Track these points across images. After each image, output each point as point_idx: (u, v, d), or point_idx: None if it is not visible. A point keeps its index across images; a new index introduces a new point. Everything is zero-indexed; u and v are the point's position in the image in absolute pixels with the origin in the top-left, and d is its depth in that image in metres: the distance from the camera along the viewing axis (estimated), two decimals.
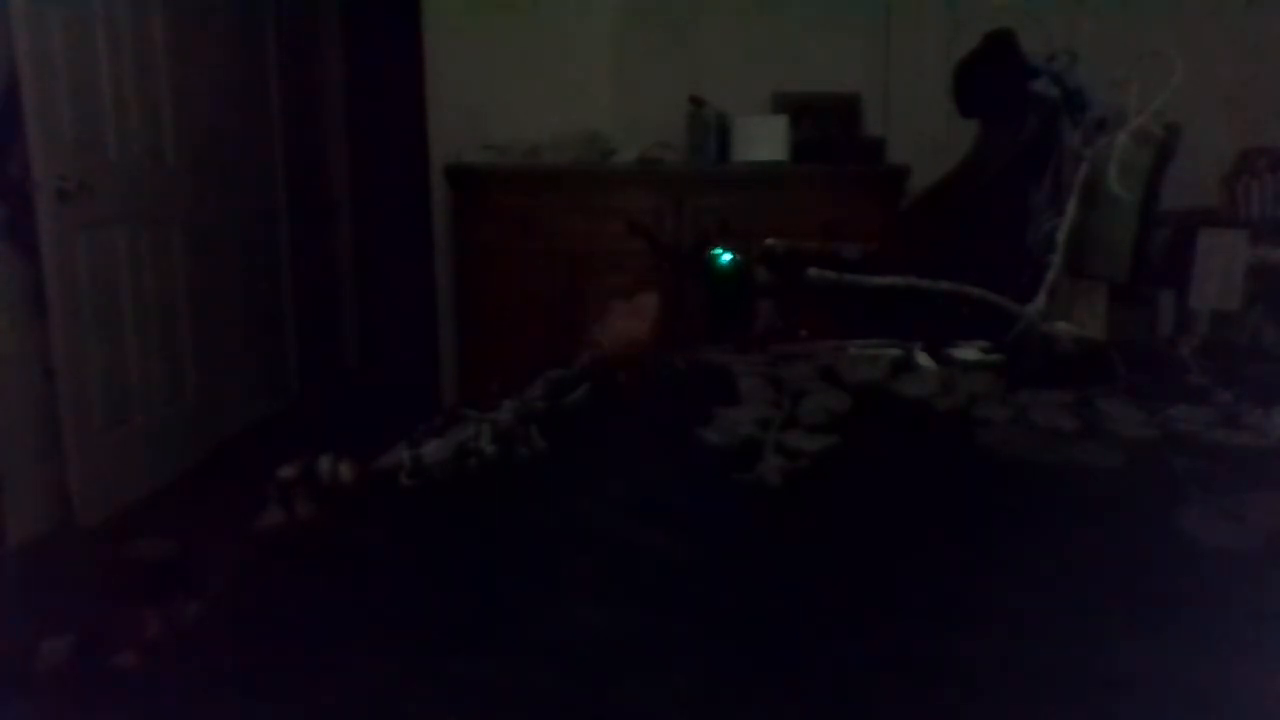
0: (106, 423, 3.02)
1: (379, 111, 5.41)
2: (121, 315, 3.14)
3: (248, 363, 4.15)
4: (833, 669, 0.76)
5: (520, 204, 3.49)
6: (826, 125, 3.67)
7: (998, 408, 1.26)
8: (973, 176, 2.53)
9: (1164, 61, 1.59)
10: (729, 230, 3.21)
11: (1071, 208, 1.69)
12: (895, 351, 1.48)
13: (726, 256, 1.82)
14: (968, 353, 1.52)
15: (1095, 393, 1.31)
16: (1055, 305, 1.61)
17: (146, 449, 3.23)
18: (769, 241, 1.83)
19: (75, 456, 2.86)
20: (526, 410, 1.28)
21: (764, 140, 3.54)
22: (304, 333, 4.74)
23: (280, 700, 0.75)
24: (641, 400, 1.41)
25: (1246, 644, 0.77)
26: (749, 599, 0.86)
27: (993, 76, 2.27)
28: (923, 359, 1.46)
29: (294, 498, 1.03)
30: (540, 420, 1.23)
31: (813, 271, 1.61)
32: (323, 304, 5.20)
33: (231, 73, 4.06)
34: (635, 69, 3.85)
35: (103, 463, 2.97)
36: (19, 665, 0.85)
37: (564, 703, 0.73)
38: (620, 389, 1.42)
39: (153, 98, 3.33)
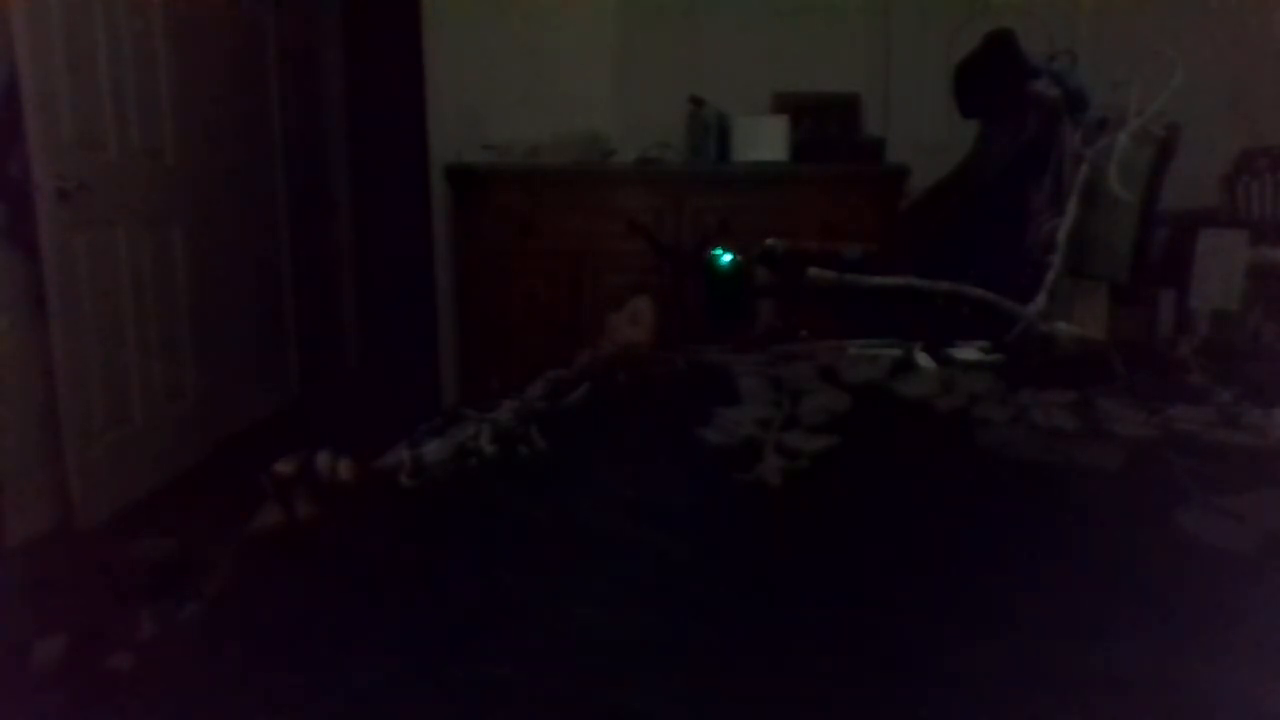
0: (106, 423, 3.01)
1: (379, 111, 5.41)
2: (121, 315, 3.14)
3: (248, 363, 4.15)
4: (832, 668, 0.76)
5: (520, 204, 3.49)
6: (826, 125, 3.67)
7: (998, 408, 1.26)
8: (973, 177, 2.53)
9: (1164, 61, 1.59)
10: (729, 230, 3.22)
11: (1071, 208, 1.69)
12: (895, 351, 1.48)
13: (726, 256, 1.82)
14: (968, 353, 1.52)
15: (1095, 393, 1.31)
16: (1055, 305, 1.61)
17: (146, 449, 3.23)
18: (769, 241, 1.83)
19: (75, 456, 2.85)
20: (526, 410, 1.28)
21: (764, 140, 3.54)
22: (304, 332, 4.74)
23: (279, 701, 0.75)
24: (641, 400, 1.41)
25: (1246, 644, 0.77)
26: (749, 599, 0.86)
27: (993, 77, 2.27)
28: (923, 359, 1.46)
29: (293, 496, 1.03)
30: (540, 420, 1.23)
31: (813, 271, 1.61)
32: (323, 304, 5.20)
33: (231, 73, 4.05)
34: (635, 69, 3.84)
35: (103, 463, 2.97)
36: (17, 665, 0.85)
37: (564, 703, 0.73)
38: (620, 389, 1.42)
39: (153, 98, 3.33)
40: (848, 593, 0.87)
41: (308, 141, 5.02)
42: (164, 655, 0.84)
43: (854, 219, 3.29)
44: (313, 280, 4.96)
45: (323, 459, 1.07)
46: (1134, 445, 1.13)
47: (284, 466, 1.05)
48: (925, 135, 3.41)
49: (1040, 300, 1.58)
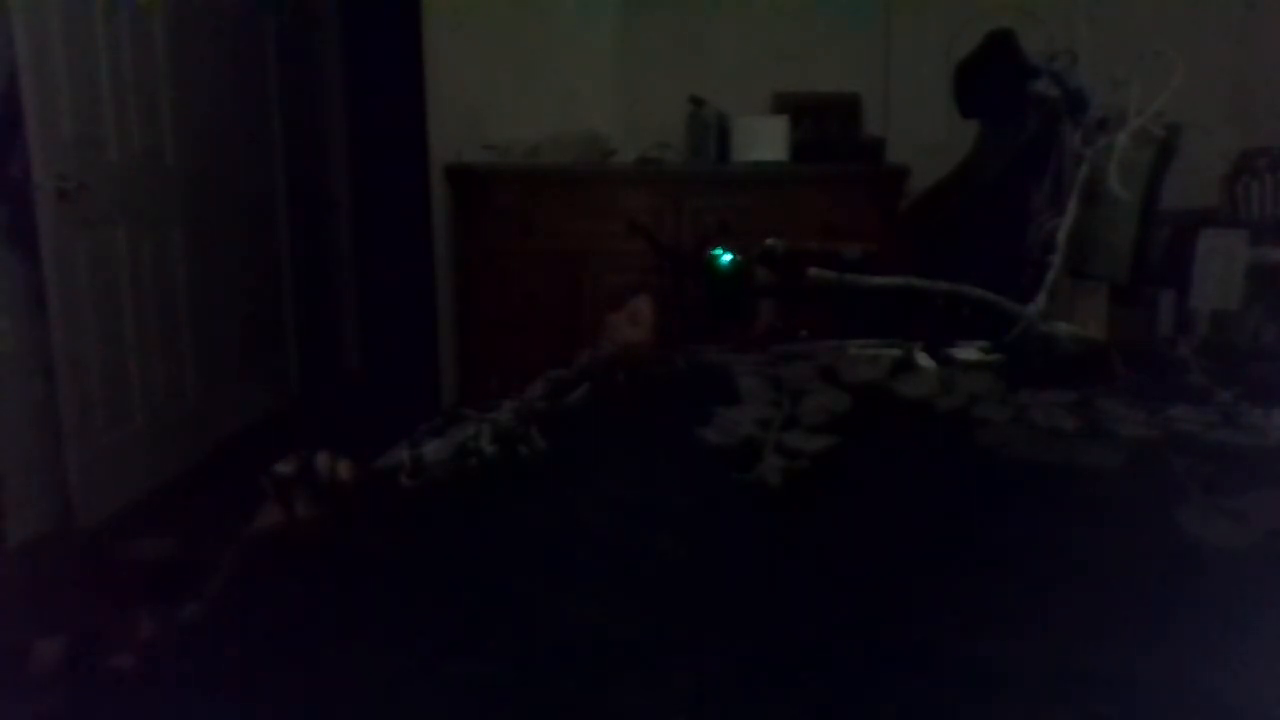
0: (106, 423, 3.01)
1: (379, 111, 5.41)
2: (121, 315, 3.14)
3: (248, 363, 4.15)
4: (832, 668, 0.76)
5: (520, 204, 3.49)
6: (826, 125, 3.67)
7: (998, 408, 1.26)
8: (973, 177, 2.53)
9: (1164, 61, 1.59)
10: (729, 230, 3.22)
11: (1071, 208, 1.68)
12: (895, 351, 1.48)
13: (726, 256, 1.82)
14: (968, 353, 1.52)
15: (1095, 393, 1.31)
16: (1055, 305, 1.61)
17: (146, 449, 3.23)
18: (769, 241, 1.83)
19: (75, 456, 2.85)
20: (526, 410, 1.28)
21: (764, 140, 3.54)
22: (304, 333, 4.74)
23: (279, 701, 0.75)
24: (641, 400, 1.40)
25: (1246, 643, 0.77)
26: (748, 599, 0.86)
27: (993, 77, 2.27)
28: (923, 359, 1.46)
29: (293, 496, 1.03)
30: (540, 420, 1.23)
31: (813, 271, 1.61)
32: (323, 304, 5.20)
33: (231, 73, 4.05)
34: (635, 69, 3.85)
35: (103, 463, 2.96)
36: (17, 665, 0.85)
37: (564, 703, 0.73)
38: (620, 389, 1.42)
39: (153, 98, 3.33)
40: (847, 592, 0.87)
41: (308, 142, 5.02)
42: (164, 655, 0.84)
43: (854, 219, 3.29)
44: (313, 280, 4.96)
45: (323, 459, 1.07)
46: (1134, 445, 1.13)
47: (284, 466, 1.05)
48: (925, 135, 3.41)
49: (1040, 300, 1.58)
